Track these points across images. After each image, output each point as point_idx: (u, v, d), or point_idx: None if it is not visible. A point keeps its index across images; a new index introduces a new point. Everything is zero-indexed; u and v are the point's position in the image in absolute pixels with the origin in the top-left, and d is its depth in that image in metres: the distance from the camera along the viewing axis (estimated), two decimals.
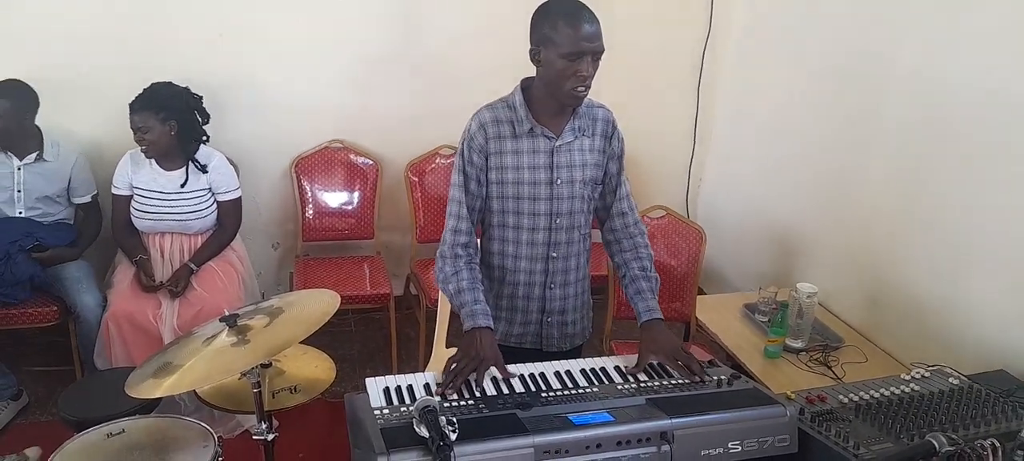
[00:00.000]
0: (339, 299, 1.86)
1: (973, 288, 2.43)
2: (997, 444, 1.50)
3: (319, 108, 3.44)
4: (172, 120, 2.80)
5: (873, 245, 2.85)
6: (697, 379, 1.73)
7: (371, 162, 3.49)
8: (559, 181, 1.89)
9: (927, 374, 2.01)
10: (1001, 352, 2.27)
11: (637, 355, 1.84)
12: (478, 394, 1.65)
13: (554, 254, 1.95)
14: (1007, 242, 2.32)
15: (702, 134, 3.91)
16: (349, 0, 3.30)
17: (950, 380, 1.97)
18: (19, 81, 2.79)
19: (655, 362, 1.81)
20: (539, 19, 1.79)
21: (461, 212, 1.91)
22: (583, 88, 1.77)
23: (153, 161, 2.89)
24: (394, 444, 1.39)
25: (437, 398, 1.50)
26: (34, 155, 2.86)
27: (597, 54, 1.76)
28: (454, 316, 2.67)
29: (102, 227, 3.07)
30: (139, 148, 2.84)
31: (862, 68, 2.91)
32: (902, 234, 2.71)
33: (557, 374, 1.76)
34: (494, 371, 1.73)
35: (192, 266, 2.89)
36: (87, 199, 3.01)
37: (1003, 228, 2.33)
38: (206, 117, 2.96)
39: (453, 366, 1.70)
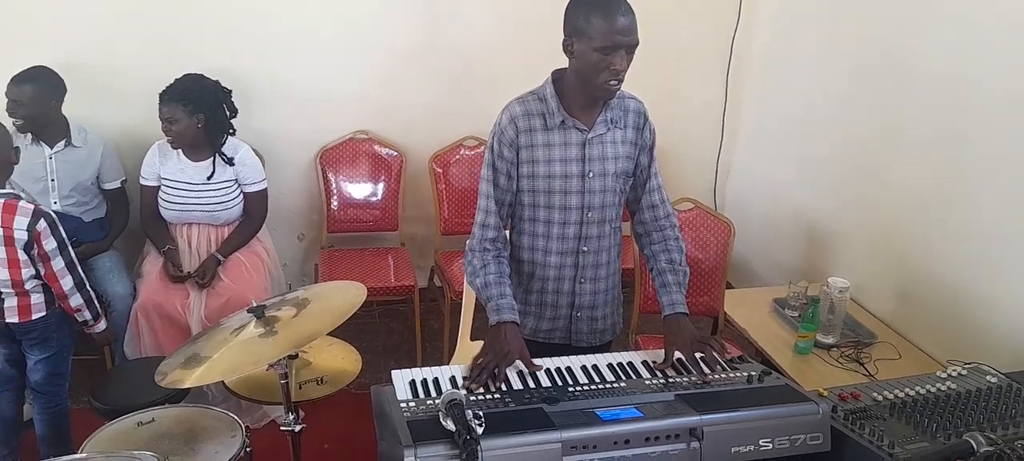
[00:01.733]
0: (365, 291, 1.86)
1: (1009, 282, 2.37)
2: None
3: (344, 99, 3.45)
4: (200, 113, 2.82)
5: (905, 239, 2.79)
6: (709, 374, 1.70)
7: (395, 153, 3.49)
8: (591, 173, 1.87)
9: (963, 372, 1.96)
10: None
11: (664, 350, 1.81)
12: (504, 388, 1.64)
13: (585, 248, 1.93)
14: None
15: (730, 126, 3.86)
16: None
17: (988, 378, 1.92)
18: (45, 68, 2.82)
19: (680, 356, 1.79)
20: (573, 10, 1.76)
21: (490, 206, 1.90)
22: (616, 81, 1.75)
23: (180, 152, 2.91)
24: (421, 437, 1.38)
25: (463, 391, 1.49)
26: (63, 142, 2.89)
27: (631, 47, 1.73)
28: (479, 309, 2.67)
29: (130, 216, 3.10)
30: (166, 139, 2.87)
31: (894, 60, 2.84)
32: (935, 227, 2.65)
33: (584, 368, 1.74)
34: (520, 364, 1.71)
35: (219, 257, 2.91)
36: (117, 185, 3.05)
37: None
38: (234, 111, 2.98)
39: (478, 361, 1.69)
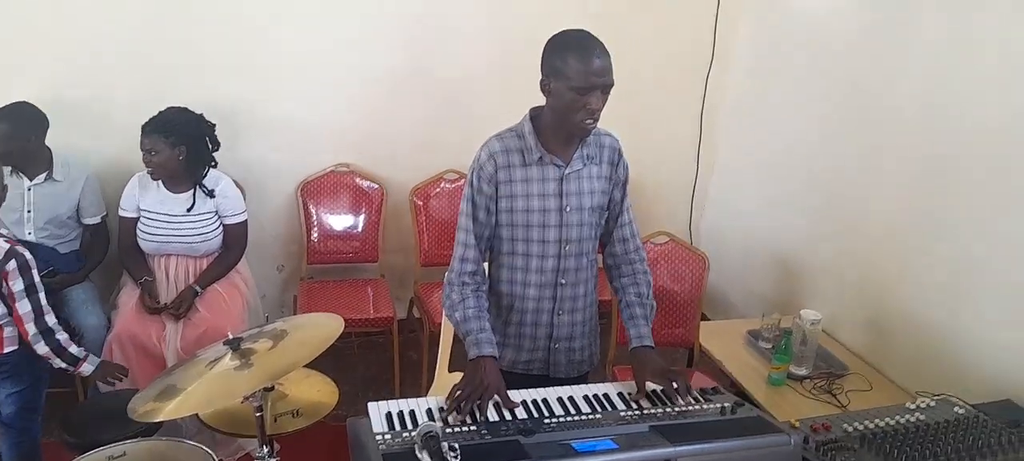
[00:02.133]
0: (343, 323, 1.87)
1: (978, 316, 2.42)
2: None
3: (326, 132, 3.47)
4: (182, 145, 2.82)
5: (877, 272, 2.84)
6: (681, 403, 1.72)
7: (376, 186, 3.51)
8: (569, 208, 1.91)
9: (932, 403, 2.00)
10: (1007, 381, 2.25)
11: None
12: (480, 420, 1.65)
13: (563, 281, 1.96)
14: (1012, 270, 2.31)
15: (705, 160, 3.93)
16: (357, 25, 3.34)
17: (956, 409, 1.96)
18: (25, 104, 2.81)
19: (656, 388, 1.80)
20: (550, 51, 1.80)
21: (469, 240, 1.93)
22: (591, 121, 1.79)
23: (160, 184, 2.91)
24: None
25: (439, 424, 1.50)
26: (44, 175, 2.88)
27: (606, 88, 1.77)
28: (458, 340, 2.67)
29: (109, 250, 3.08)
30: (147, 170, 2.87)
31: (867, 94, 2.92)
32: (906, 261, 2.71)
33: (560, 400, 1.76)
34: (497, 399, 1.72)
35: (197, 288, 2.90)
36: (97, 220, 3.02)
37: (1008, 256, 2.33)
38: (217, 144, 2.98)
39: (457, 393, 1.70)
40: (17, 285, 2.18)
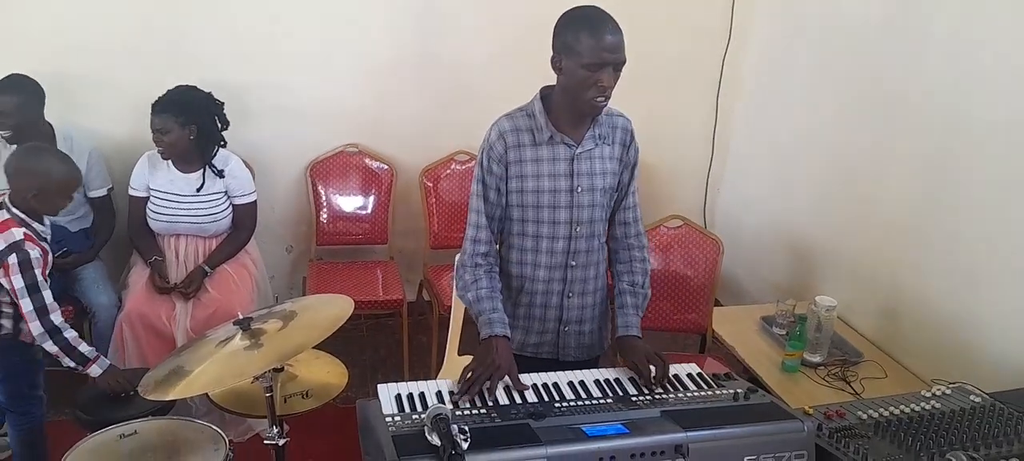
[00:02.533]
0: (353, 304, 1.86)
1: (994, 304, 2.39)
2: None
3: (335, 112, 3.45)
4: (192, 124, 2.81)
5: (892, 259, 2.81)
6: (661, 389, 1.72)
7: (386, 167, 3.49)
8: (580, 189, 1.88)
9: (948, 391, 1.97)
10: (1023, 369, 2.23)
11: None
12: (491, 403, 1.64)
13: (573, 263, 1.94)
14: None
15: (720, 144, 3.88)
16: (367, 5, 3.31)
17: (971, 398, 1.93)
18: (23, 76, 2.80)
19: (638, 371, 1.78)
20: (562, 27, 1.78)
21: (480, 221, 1.91)
22: (603, 98, 1.76)
23: (170, 163, 2.90)
24: (405, 451, 1.37)
25: (449, 406, 1.49)
26: None
27: (618, 65, 1.75)
28: (468, 323, 2.66)
29: (115, 226, 3.08)
30: (157, 149, 2.86)
31: (883, 84, 2.87)
32: (922, 248, 2.67)
33: (570, 384, 1.74)
34: (508, 381, 1.71)
35: (206, 269, 2.90)
36: (102, 192, 3.02)
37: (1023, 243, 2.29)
38: (226, 123, 2.97)
39: (468, 375, 1.69)
40: (17, 282, 2.12)
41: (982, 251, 2.44)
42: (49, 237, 2.29)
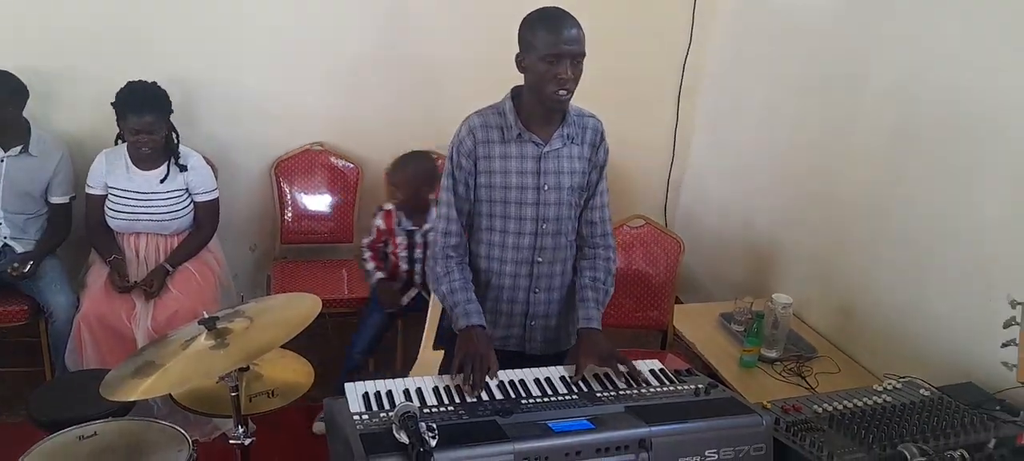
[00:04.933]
0: (321, 303, 1.86)
1: (942, 300, 2.48)
2: (966, 455, 1.55)
3: (300, 110, 3.42)
4: (169, 120, 2.79)
5: (846, 257, 2.90)
6: (636, 387, 1.75)
7: (352, 165, 3.48)
8: (546, 186, 1.91)
9: (898, 385, 2.05)
10: (969, 364, 2.31)
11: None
12: (458, 400, 1.66)
13: (540, 259, 1.97)
14: (974, 254, 2.37)
15: (681, 144, 3.95)
16: (334, 2, 3.29)
17: (921, 391, 2.01)
18: (5, 72, 2.76)
19: (598, 371, 1.81)
20: (523, 28, 1.84)
21: (450, 214, 1.94)
22: (564, 91, 1.80)
23: (129, 161, 2.85)
24: (373, 449, 1.39)
25: (416, 404, 1.50)
26: (19, 148, 2.81)
27: (576, 57, 1.79)
28: (443, 316, 2.67)
29: (69, 234, 3.00)
30: (115, 147, 2.81)
31: (838, 83, 2.96)
32: (874, 246, 2.76)
33: (537, 381, 1.77)
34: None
35: (168, 267, 2.85)
36: (64, 200, 2.94)
37: (971, 240, 2.38)
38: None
39: (461, 367, 1.71)
40: None
41: (930, 249, 2.53)
42: None
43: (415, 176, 2.92)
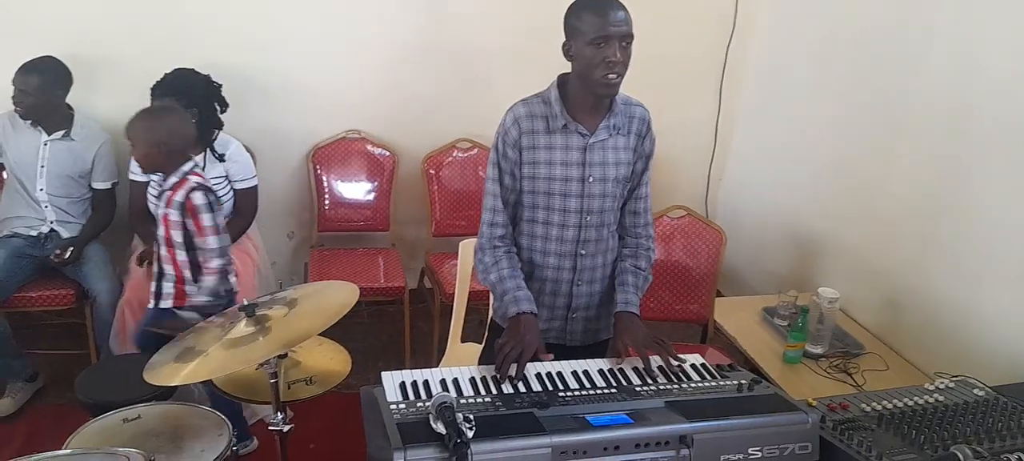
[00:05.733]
0: (358, 291, 1.85)
1: (996, 297, 2.39)
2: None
3: (337, 98, 3.44)
4: (194, 107, 2.80)
5: (895, 250, 2.81)
6: (676, 380, 1.71)
7: (388, 153, 3.48)
8: (591, 178, 1.88)
9: (951, 384, 1.97)
10: None
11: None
12: (495, 391, 1.64)
13: (583, 252, 1.94)
14: None
15: (723, 134, 3.87)
16: None
17: (975, 391, 1.93)
18: (52, 58, 2.83)
19: (638, 365, 1.78)
20: (569, 15, 1.81)
21: (496, 205, 1.92)
22: (614, 75, 1.76)
23: None
24: (410, 439, 1.37)
25: (454, 394, 1.49)
26: (62, 132, 2.88)
27: (625, 38, 1.75)
28: (470, 311, 2.66)
29: (114, 217, 3.07)
30: None
31: (888, 71, 2.87)
32: (924, 240, 2.67)
33: (575, 373, 1.74)
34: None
35: None
36: (107, 185, 3.01)
37: None
38: (225, 106, 2.96)
39: (499, 351, 1.70)
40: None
41: (984, 246, 2.44)
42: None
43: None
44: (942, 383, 1.97)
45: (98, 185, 3.00)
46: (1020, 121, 2.33)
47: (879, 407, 1.79)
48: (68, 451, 1.77)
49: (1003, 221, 2.38)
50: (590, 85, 1.79)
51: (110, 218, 3.05)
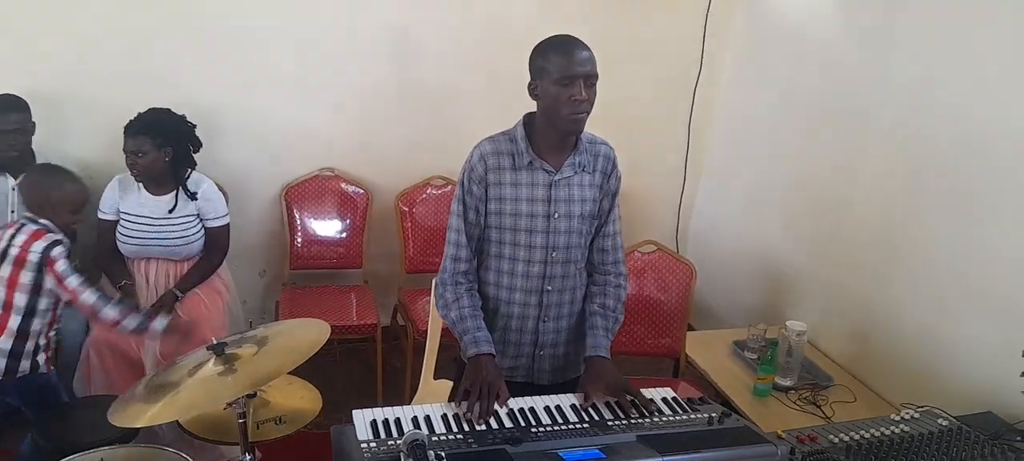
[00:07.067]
0: (329, 329, 1.84)
1: (961, 328, 2.44)
2: None
3: (311, 136, 3.44)
4: (168, 146, 2.79)
5: (862, 283, 2.86)
6: (645, 416, 1.72)
7: (361, 191, 3.49)
8: (557, 215, 1.90)
9: (917, 415, 2.01)
10: (988, 393, 2.27)
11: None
12: (467, 428, 1.63)
13: (549, 287, 1.95)
14: (994, 282, 2.34)
15: (693, 169, 3.94)
16: (343, 28, 3.32)
17: (940, 421, 1.97)
18: (18, 97, 2.79)
19: (607, 400, 1.78)
20: (534, 55, 1.85)
21: (460, 240, 1.93)
22: (579, 114, 1.80)
23: (140, 186, 2.86)
24: None
25: (425, 432, 1.48)
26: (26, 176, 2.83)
27: (590, 78, 1.79)
28: (443, 348, 2.65)
29: (80, 255, 3.01)
30: (128, 172, 2.82)
31: (851, 108, 2.95)
32: (890, 273, 2.73)
33: (547, 409, 1.75)
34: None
35: (177, 293, 2.85)
36: None
37: (990, 268, 2.35)
38: (198, 146, 2.95)
39: (469, 394, 1.69)
40: (63, 267, 2.34)
41: (949, 276, 2.49)
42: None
43: (74, 198, 2.48)
44: (908, 414, 2.01)
45: None
46: (974, 155, 2.41)
47: (847, 438, 1.82)
48: None
49: (964, 253, 2.44)
50: (556, 123, 1.83)
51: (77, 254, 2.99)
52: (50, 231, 2.36)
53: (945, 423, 1.96)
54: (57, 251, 2.32)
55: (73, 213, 2.46)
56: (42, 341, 2.39)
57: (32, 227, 2.36)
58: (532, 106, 1.89)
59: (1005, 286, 2.31)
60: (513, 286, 1.95)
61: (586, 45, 1.81)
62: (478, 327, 1.87)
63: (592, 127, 1.90)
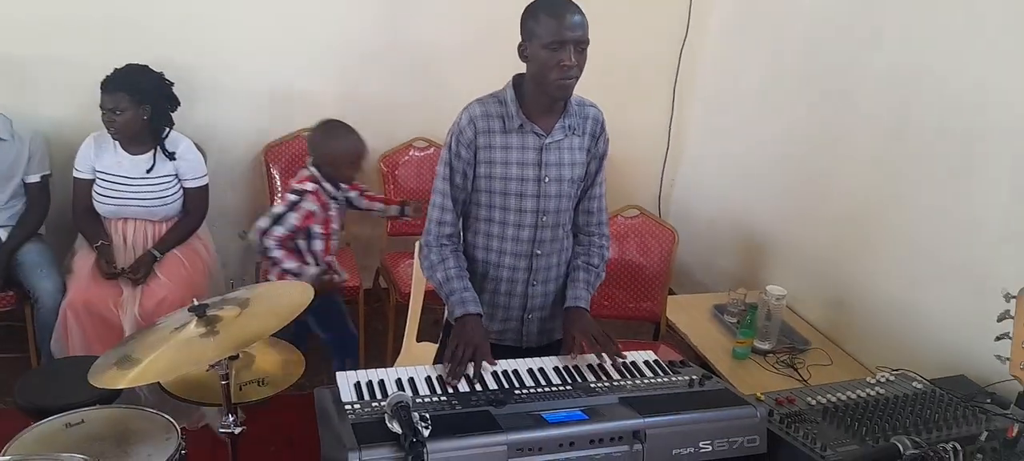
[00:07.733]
0: (312, 292, 1.83)
1: (935, 293, 2.49)
2: (958, 447, 1.54)
3: (291, 96, 3.38)
4: (146, 103, 2.73)
5: (840, 249, 2.90)
6: (615, 359, 1.76)
7: None
8: (547, 179, 1.89)
9: (891, 378, 2.05)
10: (961, 357, 2.32)
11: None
12: (450, 390, 1.64)
13: (539, 252, 1.95)
14: (967, 249, 2.38)
15: (676, 134, 3.94)
16: None
17: (914, 384, 2.01)
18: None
19: (593, 362, 1.80)
20: (525, 17, 1.81)
21: (445, 203, 1.91)
22: (568, 79, 1.77)
23: (118, 145, 2.81)
24: (366, 439, 1.37)
25: (409, 394, 1.49)
26: None
27: (580, 44, 1.76)
28: (425, 311, 2.66)
29: (48, 213, 2.95)
30: (104, 130, 2.76)
31: (835, 74, 2.95)
32: (868, 238, 2.76)
33: (530, 372, 1.76)
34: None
35: (156, 253, 2.82)
36: (37, 178, 2.88)
37: (964, 235, 2.39)
38: (176, 104, 2.89)
39: (452, 355, 1.70)
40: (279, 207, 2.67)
41: (924, 243, 2.53)
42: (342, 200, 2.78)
43: (346, 153, 2.73)
44: (883, 377, 2.05)
45: (30, 179, 2.86)
46: (954, 124, 2.43)
47: (824, 400, 1.85)
48: (7, 458, 1.71)
49: (940, 220, 2.48)
50: (544, 87, 1.81)
51: (44, 213, 2.93)
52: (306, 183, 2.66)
53: (919, 386, 2.00)
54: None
55: (351, 167, 2.73)
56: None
57: (302, 173, 2.70)
58: (519, 67, 1.87)
59: (980, 255, 2.35)
60: (503, 250, 1.94)
61: (579, 8, 1.77)
62: (465, 287, 1.87)
63: (576, 89, 1.88)
